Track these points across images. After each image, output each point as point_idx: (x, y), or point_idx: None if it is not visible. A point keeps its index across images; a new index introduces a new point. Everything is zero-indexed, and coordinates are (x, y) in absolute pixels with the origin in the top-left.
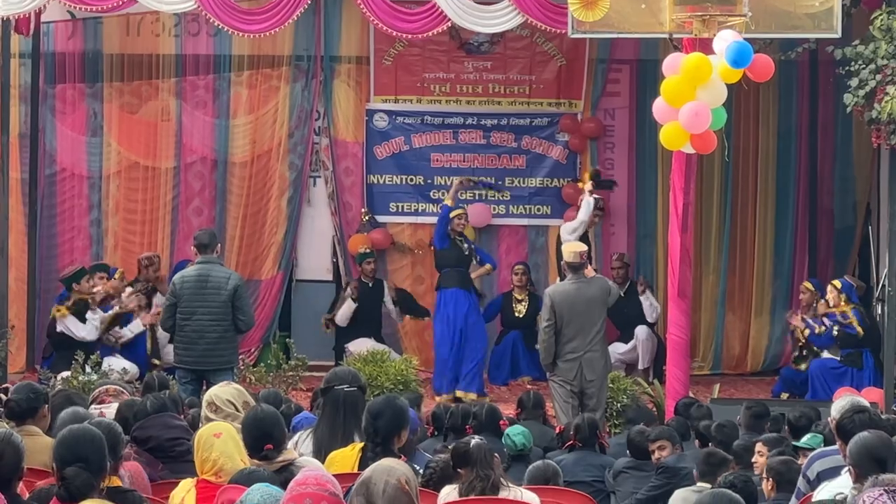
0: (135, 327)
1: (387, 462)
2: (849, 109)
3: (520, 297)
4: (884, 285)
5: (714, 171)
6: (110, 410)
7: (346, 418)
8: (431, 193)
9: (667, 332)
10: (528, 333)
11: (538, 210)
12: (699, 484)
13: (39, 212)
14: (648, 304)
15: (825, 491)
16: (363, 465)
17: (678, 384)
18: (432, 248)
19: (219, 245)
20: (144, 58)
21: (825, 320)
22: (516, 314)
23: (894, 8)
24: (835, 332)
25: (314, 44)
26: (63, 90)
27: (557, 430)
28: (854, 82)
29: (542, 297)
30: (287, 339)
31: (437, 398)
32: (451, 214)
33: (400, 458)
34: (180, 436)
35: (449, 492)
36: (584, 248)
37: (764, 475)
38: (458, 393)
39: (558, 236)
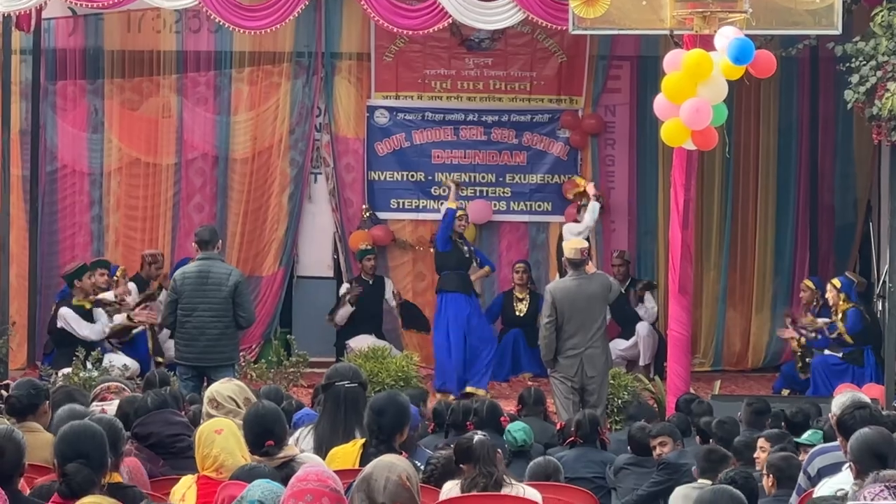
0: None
1: (388, 458)
2: (849, 106)
3: (520, 296)
4: (884, 282)
5: (715, 167)
6: (112, 407)
7: (347, 415)
8: (432, 190)
9: (668, 328)
10: (528, 331)
11: (539, 206)
12: (700, 481)
13: (40, 208)
14: (644, 311)
15: (826, 487)
16: (364, 461)
17: (679, 381)
18: (432, 243)
19: (220, 241)
20: (145, 54)
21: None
22: (517, 313)
23: (895, 4)
24: (832, 335)
25: (315, 40)
26: (64, 87)
27: (558, 427)
28: (855, 79)
29: (543, 294)
30: (288, 336)
31: (438, 395)
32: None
33: (401, 454)
34: (181, 432)
35: (451, 488)
36: (586, 244)
37: (764, 471)
38: (469, 388)
39: (560, 233)
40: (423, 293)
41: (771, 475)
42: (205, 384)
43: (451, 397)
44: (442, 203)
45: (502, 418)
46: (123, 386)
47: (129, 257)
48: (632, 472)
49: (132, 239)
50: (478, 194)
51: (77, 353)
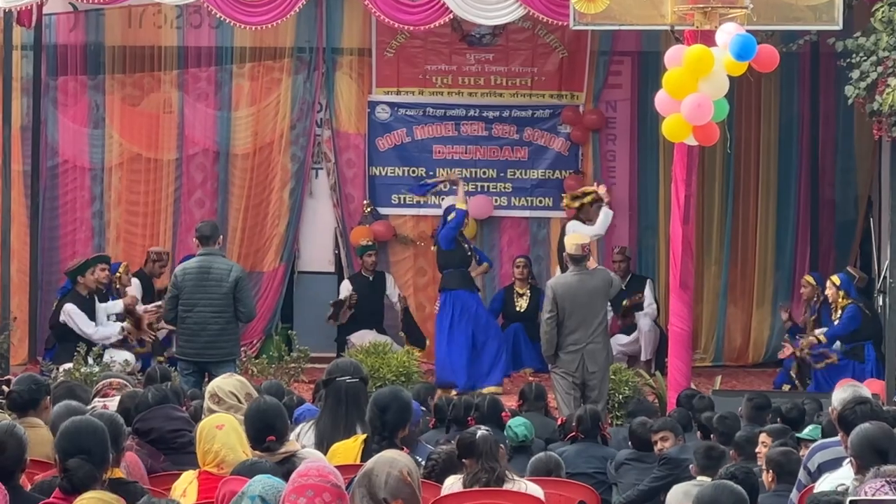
0: (113, 307)
1: (389, 453)
2: (850, 101)
3: (521, 291)
4: (885, 277)
5: (715, 162)
6: (113, 404)
7: (349, 410)
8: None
9: (668, 323)
10: (529, 326)
11: (540, 202)
12: (699, 478)
13: (41, 204)
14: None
15: (826, 482)
16: (365, 456)
17: (680, 376)
18: (433, 238)
19: (221, 237)
20: (146, 50)
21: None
22: (517, 308)
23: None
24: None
25: (316, 36)
26: (65, 82)
27: (559, 422)
28: (855, 74)
29: (544, 289)
30: (289, 331)
31: (439, 391)
32: None
33: (402, 449)
34: (182, 427)
35: (453, 482)
36: (587, 240)
37: (764, 466)
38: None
39: (562, 228)
40: (424, 288)
41: (770, 470)
42: (206, 380)
43: (454, 392)
44: (443, 199)
45: (503, 414)
46: (126, 382)
47: (130, 253)
48: (633, 468)
49: (133, 234)
50: (479, 190)
51: (78, 349)
